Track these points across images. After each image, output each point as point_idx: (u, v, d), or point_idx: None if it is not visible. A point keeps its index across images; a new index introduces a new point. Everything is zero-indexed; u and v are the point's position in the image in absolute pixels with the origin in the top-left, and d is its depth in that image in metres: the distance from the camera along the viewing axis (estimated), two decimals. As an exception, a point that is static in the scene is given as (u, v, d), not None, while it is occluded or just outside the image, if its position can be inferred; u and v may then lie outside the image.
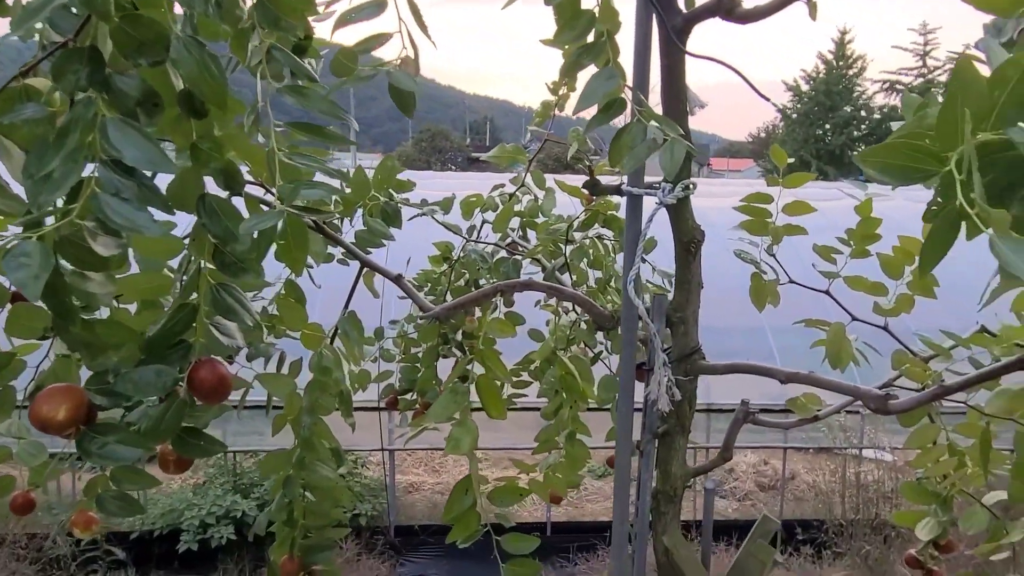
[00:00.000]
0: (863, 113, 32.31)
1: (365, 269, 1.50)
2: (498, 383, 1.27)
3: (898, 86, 32.95)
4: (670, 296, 1.40)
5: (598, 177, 1.38)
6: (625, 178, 1.30)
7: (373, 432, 6.89)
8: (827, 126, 31.33)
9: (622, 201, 2.21)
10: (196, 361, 0.96)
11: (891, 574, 5.61)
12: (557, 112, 2.41)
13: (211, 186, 1.02)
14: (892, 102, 33.23)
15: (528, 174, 2.38)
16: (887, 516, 6.26)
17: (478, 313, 2.46)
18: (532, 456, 1.91)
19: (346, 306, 1.45)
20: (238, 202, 1.01)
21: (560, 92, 2.36)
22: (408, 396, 2.41)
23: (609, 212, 1.84)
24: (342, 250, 1.96)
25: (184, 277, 0.98)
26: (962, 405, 1.43)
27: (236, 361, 1.68)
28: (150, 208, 0.80)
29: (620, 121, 1.25)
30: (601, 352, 2.26)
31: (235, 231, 0.92)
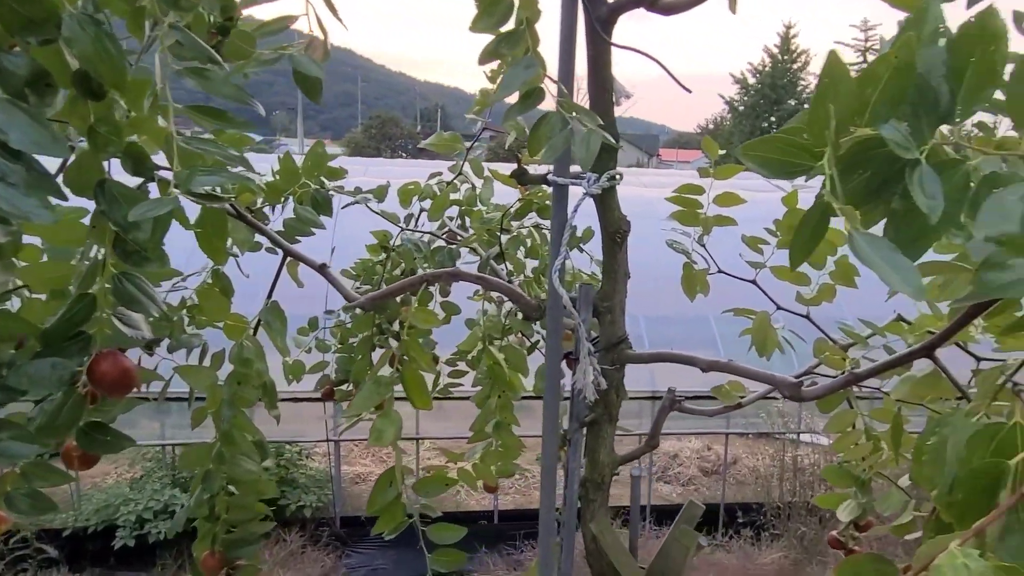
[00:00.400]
0: (806, 106, 33.10)
1: (289, 258, 1.47)
2: (423, 373, 1.25)
3: (840, 81, 33.80)
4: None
5: (526, 166, 1.38)
6: (552, 167, 1.30)
7: (320, 423, 6.81)
8: (772, 118, 32.05)
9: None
10: (97, 353, 0.92)
11: (825, 554, 5.81)
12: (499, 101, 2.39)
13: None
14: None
15: (466, 162, 2.36)
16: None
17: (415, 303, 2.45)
18: (468, 445, 1.91)
19: (269, 296, 1.42)
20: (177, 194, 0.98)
21: (499, 80, 2.35)
22: (344, 386, 2.38)
23: (545, 202, 1.84)
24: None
25: (85, 265, 0.94)
26: (880, 391, 1.48)
27: (157, 353, 1.63)
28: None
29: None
30: (538, 342, 2.27)
31: (138, 219, 0.89)
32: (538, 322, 2.12)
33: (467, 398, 2.04)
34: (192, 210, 1.12)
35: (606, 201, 1.34)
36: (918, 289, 0.48)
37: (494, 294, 2.26)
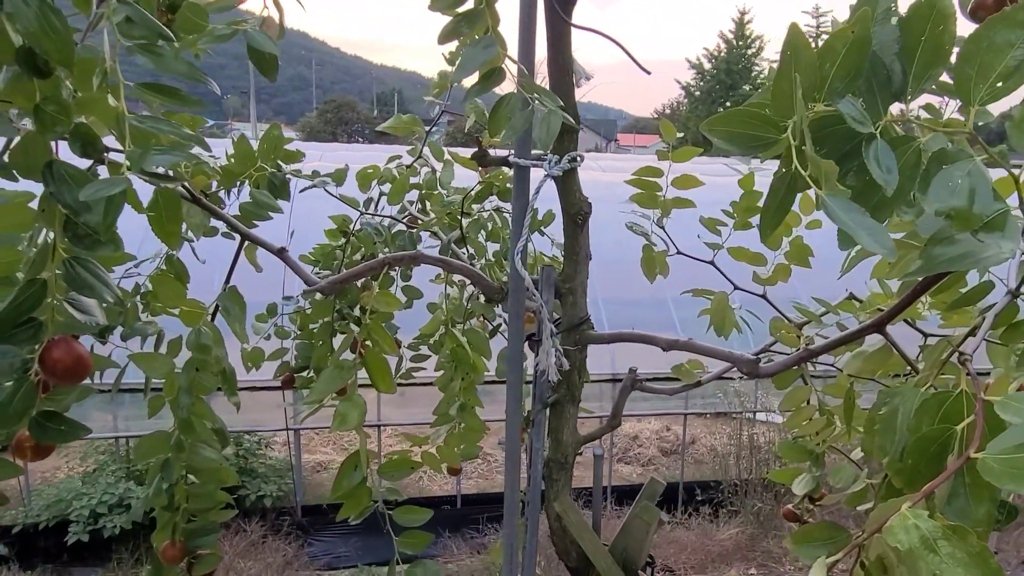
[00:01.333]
0: (760, 92, 33.65)
1: (247, 243, 1.44)
2: (386, 357, 1.25)
3: (792, 67, 34.38)
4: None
5: (487, 148, 1.37)
6: (513, 149, 1.30)
7: (279, 412, 6.73)
8: (727, 104, 32.44)
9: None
10: (50, 340, 0.89)
11: (780, 528, 5.98)
12: (458, 84, 2.38)
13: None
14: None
15: (426, 146, 2.34)
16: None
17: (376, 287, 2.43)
18: (431, 429, 1.91)
19: (226, 281, 1.39)
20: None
21: (457, 62, 2.33)
22: (304, 373, 2.36)
23: (506, 184, 1.84)
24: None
25: (34, 250, 0.91)
26: (834, 368, 1.53)
27: (111, 342, 1.59)
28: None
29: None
30: (500, 325, 2.27)
31: (91, 203, 0.86)
32: (500, 305, 2.13)
33: (430, 384, 2.04)
34: (145, 193, 1.09)
35: (567, 183, 1.35)
36: (889, 248, 0.50)
37: (456, 277, 2.25)
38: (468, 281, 2.04)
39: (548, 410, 1.47)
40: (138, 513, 1.60)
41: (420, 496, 7.29)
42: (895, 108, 0.55)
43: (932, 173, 0.54)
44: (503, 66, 0.96)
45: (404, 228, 2.29)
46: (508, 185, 1.86)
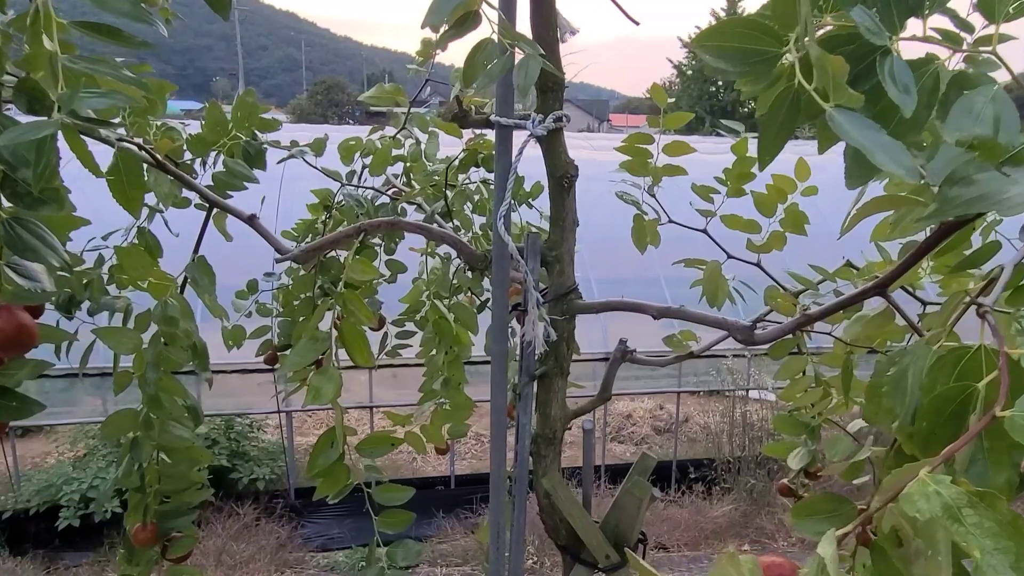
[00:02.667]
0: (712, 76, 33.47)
1: (216, 210, 1.37)
2: (363, 328, 1.19)
3: (785, 44, 34.19)
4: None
5: (468, 108, 1.30)
6: (494, 109, 1.23)
7: (271, 395, 6.67)
8: (719, 83, 32.23)
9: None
10: (-11, 309, 0.83)
11: (773, 504, 5.98)
12: (440, 52, 2.30)
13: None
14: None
15: (410, 117, 2.26)
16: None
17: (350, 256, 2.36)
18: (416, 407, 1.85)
19: (195, 251, 1.32)
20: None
21: (442, 30, 2.24)
22: (288, 352, 2.29)
23: (491, 152, 1.77)
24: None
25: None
26: (831, 338, 1.47)
27: (77, 317, 1.52)
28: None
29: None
30: (488, 300, 2.21)
31: (27, 155, 0.79)
32: (486, 278, 2.07)
33: (423, 364, 1.98)
34: (104, 159, 1.02)
35: (552, 144, 1.28)
36: (908, 168, 0.44)
37: (440, 250, 2.19)
38: (454, 253, 1.97)
39: (535, 384, 1.41)
40: (106, 495, 1.53)
41: (414, 477, 7.27)
42: (910, 27, 0.49)
43: (952, 99, 0.48)
44: (479, 10, 0.89)
45: (387, 200, 2.22)
46: (491, 152, 1.78)
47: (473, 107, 1.40)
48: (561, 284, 1.36)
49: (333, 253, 1.82)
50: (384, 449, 1.26)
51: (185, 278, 1.32)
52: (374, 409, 7.27)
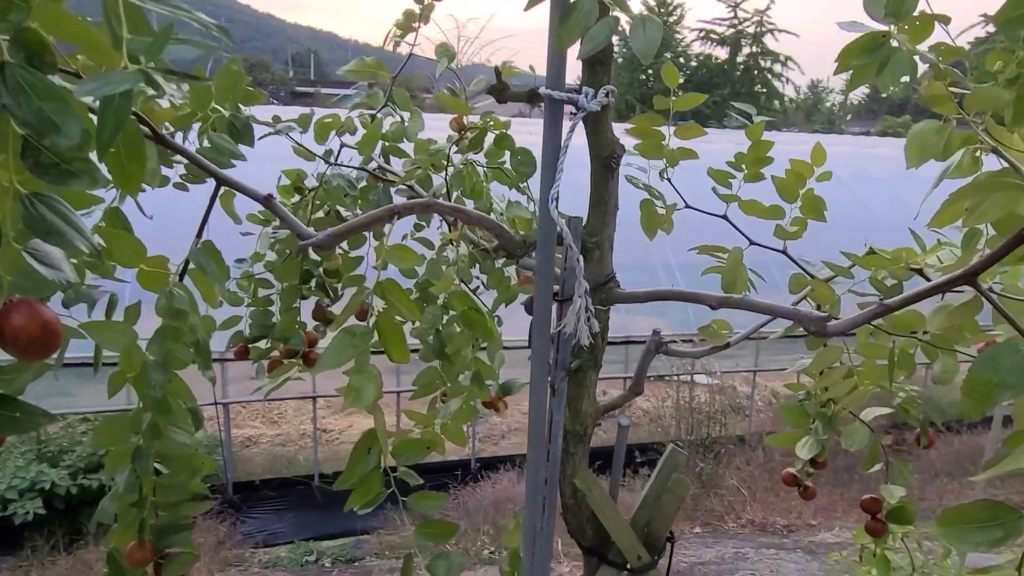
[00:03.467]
0: (682, 60, 34.11)
1: (223, 189, 1.22)
2: (401, 321, 1.07)
3: (712, 35, 35.03)
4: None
5: (505, 80, 1.20)
6: (543, 83, 1.13)
7: (205, 385, 6.36)
8: (650, 71, 32.70)
9: (513, 119, 2.04)
10: (7, 304, 0.68)
11: (721, 487, 6.11)
12: (421, 24, 2.17)
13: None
14: (708, 50, 35.37)
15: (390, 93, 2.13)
16: (716, 434, 6.80)
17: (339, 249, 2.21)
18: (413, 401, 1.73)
19: (199, 234, 1.17)
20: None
21: (425, 1, 2.12)
22: (262, 343, 2.13)
23: (503, 130, 1.66)
24: (182, 170, 1.64)
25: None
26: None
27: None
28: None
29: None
30: (478, 288, 2.11)
31: (55, 117, 0.65)
32: (476, 267, 1.96)
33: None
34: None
35: (599, 122, 1.19)
36: None
37: (435, 234, 2.07)
38: (453, 240, 1.86)
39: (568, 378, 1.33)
40: (107, 514, 1.35)
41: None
42: None
43: None
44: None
45: (369, 182, 2.08)
46: (505, 131, 1.68)
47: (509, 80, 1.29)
48: (600, 272, 1.28)
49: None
50: (420, 454, 1.15)
51: (185, 265, 1.16)
52: (317, 400, 7.04)
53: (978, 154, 1.12)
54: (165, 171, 1.57)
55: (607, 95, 1.14)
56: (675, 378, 7.34)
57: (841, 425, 1.75)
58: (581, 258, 1.12)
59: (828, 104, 45.76)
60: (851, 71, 0.97)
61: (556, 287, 1.25)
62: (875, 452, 1.65)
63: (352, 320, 1.08)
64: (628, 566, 1.42)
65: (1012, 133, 1.16)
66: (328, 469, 7.07)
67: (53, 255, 0.71)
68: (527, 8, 0.81)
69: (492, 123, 1.68)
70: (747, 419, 7.53)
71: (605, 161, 1.20)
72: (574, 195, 1.53)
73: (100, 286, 1.39)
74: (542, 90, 1.09)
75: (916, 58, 0.99)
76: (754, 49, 35.04)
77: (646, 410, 8.29)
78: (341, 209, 2.07)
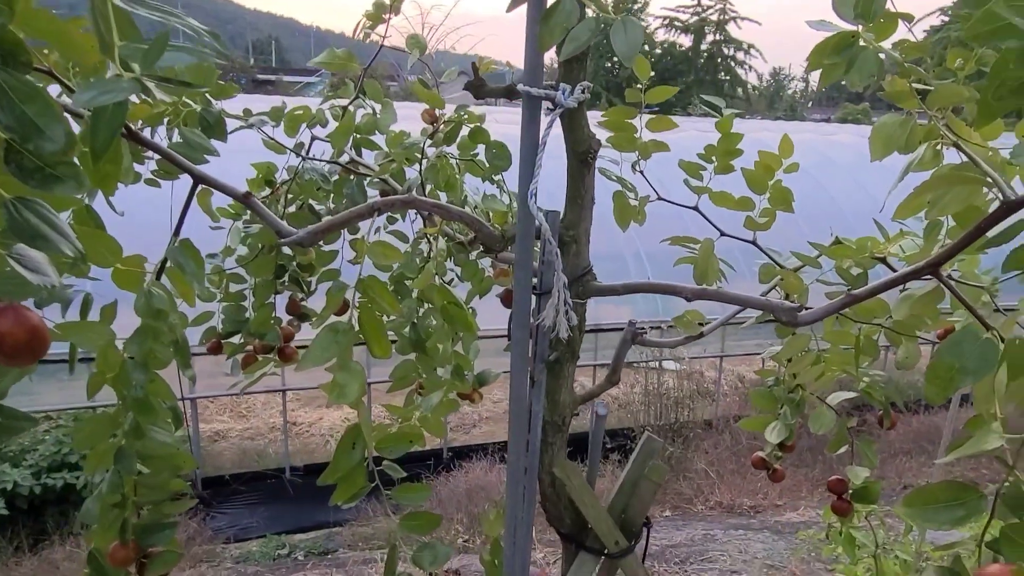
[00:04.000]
0: (646, 47, 34.27)
1: (200, 187, 1.21)
2: (382, 317, 1.08)
3: (676, 23, 35.26)
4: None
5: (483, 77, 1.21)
6: (516, 79, 1.14)
7: (170, 380, 6.26)
8: (615, 59, 32.79)
9: (486, 112, 2.05)
10: (-9, 309, 0.68)
11: (689, 471, 6.22)
12: (392, 15, 2.16)
13: None
14: (672, 38, 35.60)
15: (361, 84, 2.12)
16: (684, 419, 6.91)
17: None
18: (390, 393, 1.74)
19: (176, 232, 1.16)
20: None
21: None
22: (235, 339, 2.12)
23: (477, 124, 1.67)
24: (153, 166, 1.63)
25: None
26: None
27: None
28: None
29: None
30: (452, 280, 2.12)
31: (38, 120, 0.64)
32: (450, 260, 1.97)
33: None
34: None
35: (574, 118, 1.21)
36: None
37: (406, 227, 2.07)
38: (430, 236, 1.86)
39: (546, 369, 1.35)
40: (92, 515, 1.33)
41: (328, 461, 7.07)
42: None
43: None
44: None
45: (342, 176, 2.08)
46: (479, 124, 1.69)
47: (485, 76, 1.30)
48: (577, 265, 1.30)
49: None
50: (404, 447, 1.16)
51: (162, 264, 1.16)
52: (286, 393, 6.99)
53: (939, 148, 1.17)
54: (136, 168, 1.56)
55: (583, 91, 1.16)
56: (644, 364, 7.43)
57: (808, 410, 1.81)
58: (559, 252, 1.14)
59: (790, 91, 46.46)
60: (820, 69, 1.01)
61: (534, 280, 1.28)
62: (841, 434, 1.71)
63: (333, 317, 1.09)
64: (606, 551, 1.45)
65: (970, 127, 1.21)
66: (299, 462, 7.03)
67: (37, 259, 0.71)
68: (509, 10, 0.82)
69: (466, 116, 1.68)
70: (714, 403, 7.67)
71: (582, 157, 1.22)
72: (544, 183, 1.55)
73: (72, 286, 1.37)
74: (520, 87, 1.10)
75: (882, 56, 1.03)
76: (717, 37, 35.38)
77: (615, 396, 8.38)
78: (314, 203, 2.07)
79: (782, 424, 1.83)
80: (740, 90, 36.15)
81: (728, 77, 35.53)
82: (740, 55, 35.71)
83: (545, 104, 1.16)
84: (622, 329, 1.61)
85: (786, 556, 4.19)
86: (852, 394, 1.75)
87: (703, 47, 35.41)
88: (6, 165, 0.66)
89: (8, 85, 0.65)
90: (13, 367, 0.72)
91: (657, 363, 7.44)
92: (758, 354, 8.58)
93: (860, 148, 11.09)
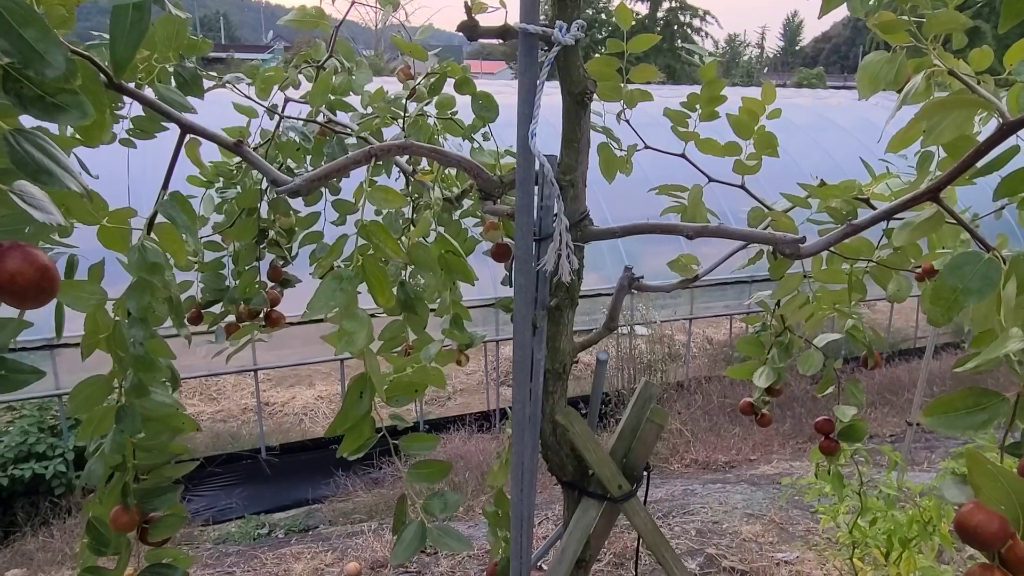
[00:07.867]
0: (604, 16, 34.11)
1: (188, 137, 1.17)
2: (385, 264, 1.06)
3: (632, -10, 35.10)
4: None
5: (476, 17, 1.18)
6: (515, 18, 1.12)
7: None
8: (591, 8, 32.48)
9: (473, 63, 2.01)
10: (-3, 248, 0.64)
11: (665, 431, 6.32)
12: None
13: None
14: (628, 5, 35.48)
15: (333, 45, 2.07)
16: (656, 382, 7.00)
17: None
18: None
19: (165, 185, 1.12)
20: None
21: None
22: (215, 308, 2.07)
23: (460, 75, 1.63)
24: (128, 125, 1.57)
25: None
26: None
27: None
28: None
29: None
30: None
31: (37, 45, 0.61)
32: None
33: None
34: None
35: (569, 58, 1.19)
36: None
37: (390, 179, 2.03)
38: (423, 181, 1.83)
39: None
40: (96, 476, 1.28)
41: (304, 439, 7.03)
42: None
43: None
44: None
45: (318, 137, 2.03)
46: (468, 75, 1.65)
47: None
48: (575, 210, 1.29)
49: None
50: (409, 397, 1.15)
51: (152, 218, 1.11)
52: (258, 372, 6.89)
53: (931, 79, 1.18)
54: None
55: (580, 29, 1.14)
56: (616, 330, 7.49)
57: (795, 353, 1.84)
58: (560, 194, 1.13)
59: (745, 58, 46.77)
60: (821, -3, 1.00)
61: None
62: (829, 376, 1.74)
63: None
64: (609, 495, 1.47)
65: (959, 60, 1.22)
66: (274, 441, 6.97)
67: (38, 197, 0.68)
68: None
69: (449, 68, 1.65)
70: (684, 366, 7.78)
71: (578, 97, 1.21)
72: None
73: (53, 248, 1.32)
74: (517, 24, 1.08)
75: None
76: (673, 4, 35.33)
77: (588, 364, 8.46)
78: (292, 164, 2.02)
79: (770, 368, 1.86)
80: (697, 57, 36.25)
81: (685, 44, 35.59)
82: (696, 22, 35.75)
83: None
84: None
85: (765, 505, 4.31)
86: (838, 336, 1.79)
87: (660, 15, 35.35)
88: (4, 94, 0.63)
89: (4, 7, 0.61)
90: (23, 307, 0.69)
91: (629, 328, 7.51)
92: (726, 315, 8.72)
93: (817, 110, 11.24)
